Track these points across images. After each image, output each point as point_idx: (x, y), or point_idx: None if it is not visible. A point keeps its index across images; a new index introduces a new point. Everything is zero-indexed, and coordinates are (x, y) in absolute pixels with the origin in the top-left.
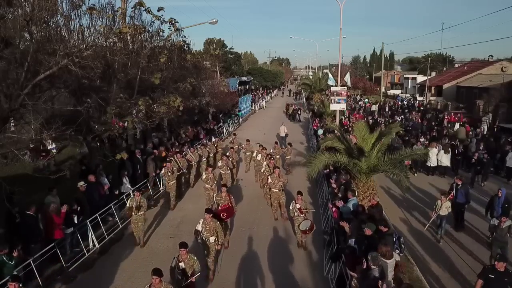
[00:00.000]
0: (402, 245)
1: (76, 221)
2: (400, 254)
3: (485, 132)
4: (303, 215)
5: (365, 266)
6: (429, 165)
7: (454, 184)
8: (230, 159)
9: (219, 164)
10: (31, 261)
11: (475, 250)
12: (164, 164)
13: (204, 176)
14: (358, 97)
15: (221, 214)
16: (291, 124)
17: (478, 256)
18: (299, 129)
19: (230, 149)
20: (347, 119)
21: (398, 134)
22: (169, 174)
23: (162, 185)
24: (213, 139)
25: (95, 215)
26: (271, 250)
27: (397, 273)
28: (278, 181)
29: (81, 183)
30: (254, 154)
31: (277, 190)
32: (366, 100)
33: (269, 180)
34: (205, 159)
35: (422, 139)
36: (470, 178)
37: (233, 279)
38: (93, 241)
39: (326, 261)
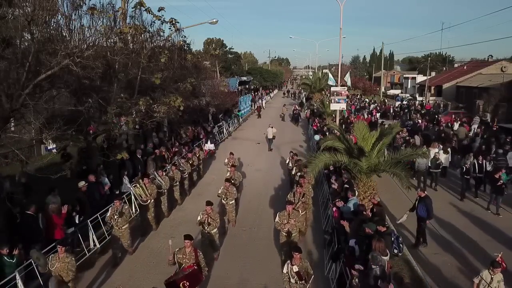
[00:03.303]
0: (401, 245)
1: (77, 221)
2: (399, 254)
3: (475, 131)
4: (303, 281)
5: (365, 267)
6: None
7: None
8: (233, 181)
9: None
10: (32, 261)
11: (476, 249)
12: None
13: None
14: (362, 98)
15: (182, 284)
16: (292, 125)
17: (479, 256)
18: (299, 129)
19: (231, 168)
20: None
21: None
22: (115, 217)
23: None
24: (207, 145)
25: (95, 215)
26: (271, 250)
27: (396, 272)
28: (286, 222)
29: (82, 183)
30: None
31: (285, 234)
32: (366, 100)
33: (276, 219)
34: (186, 174)
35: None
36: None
37: (234, 279)
38: (94, 241)
39: (327, 261)
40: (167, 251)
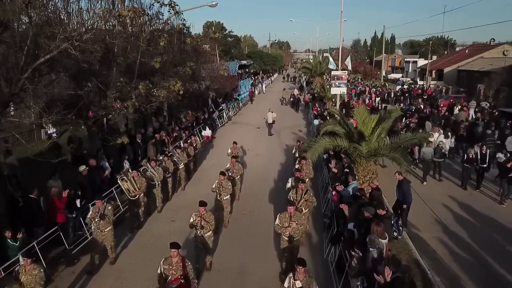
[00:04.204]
0: (400, 228)
1: (78, 205)
2: (399, 237)
3: (473, 117)
4: None
5: (363, 249)
6: None
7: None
8: (230, 173)
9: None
10: (35, 244)
11: (475, 231)
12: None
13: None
14: (363, 82)
15: None
16: (292, 111)
17: (478, 237)
18: (299, 114)
19: (231, 159)
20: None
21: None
22: (96, 219)
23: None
24: (205, 131)
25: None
26: (271, 233)
27: (394, 255)
28: (287, 226)
29: (83, 167)
30: (289, 185)
31: (286, 239)
32: (367, 84)
33: (277, 221)
34: (182, 165)
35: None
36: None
37: (234, 262)
38: None
39: (326, 244)
40: (169, 234)
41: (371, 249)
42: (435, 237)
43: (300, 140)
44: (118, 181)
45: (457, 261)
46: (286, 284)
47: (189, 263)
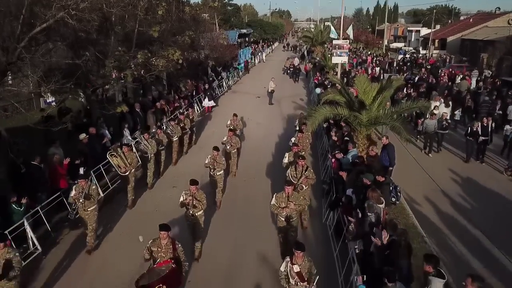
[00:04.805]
0: (399, 193)
1: (82, 173)
2: (397, 202)
3: (473, 87)
4: (305, 283)
5: (361, 215)
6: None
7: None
8: (228, 146)
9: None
10: (39, 209)
11: (471, 199)
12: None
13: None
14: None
15: None
16: (291, 81)
17: (477, 205)
18: (300, 83)
19: (229, 132)
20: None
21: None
22: (81, 200)
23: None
24: (205, 102)
25: (98, 166)
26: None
27: (391, 219)
28: (285, 206)
29: (83, 135)
30: (286, 160)
31: (283, 219)
32: (370, 53)
33: (273, 201)
34: (176, 137)
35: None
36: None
37: (233, 226)
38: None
39: (325, 209)
40: (170, 199)
41: (369, 214)
42: (433, 203)
43: (304, 112)
44: (108, 157)
45: (453, 225)
46: (282, 268)
47: (180, 245)
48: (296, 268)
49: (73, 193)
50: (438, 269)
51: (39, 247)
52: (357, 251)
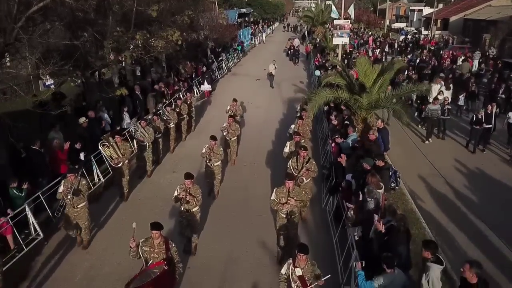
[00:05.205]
0: (398, 179)
1: (82, 158)
2: (396, 187)
3: (476, 68)
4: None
5: (360, 199)
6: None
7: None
8: (226, 132)
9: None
10: (40, 194)
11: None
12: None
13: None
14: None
15: None
16: (291, 63)
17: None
18: (300, 65)
19: (229, 118)
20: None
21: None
22: (69, 196)
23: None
24: (203, 86)
25: (98, 150)
26: (271, 183)
27: (391, 204)
28: (285, 202)
29: (83, 119)
30: (287, 150)
31: (283, 216)
32: (370, 33)
33: (273, 196)
34: (173, 124)
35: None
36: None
37: (232, 209)
38: (98, 176)
39: (324, 194)
40: (170, 184)
41: (368, 199)
42: (433, 189)
43: (305, 96)
44: (99, 147)
45: (453, 212)
46: (283, 271)
47: (174, 245)
48: (299, 272)
49: (61, 188)
50: (437, 255)
51: (40, 233)
52: (356, 238)
